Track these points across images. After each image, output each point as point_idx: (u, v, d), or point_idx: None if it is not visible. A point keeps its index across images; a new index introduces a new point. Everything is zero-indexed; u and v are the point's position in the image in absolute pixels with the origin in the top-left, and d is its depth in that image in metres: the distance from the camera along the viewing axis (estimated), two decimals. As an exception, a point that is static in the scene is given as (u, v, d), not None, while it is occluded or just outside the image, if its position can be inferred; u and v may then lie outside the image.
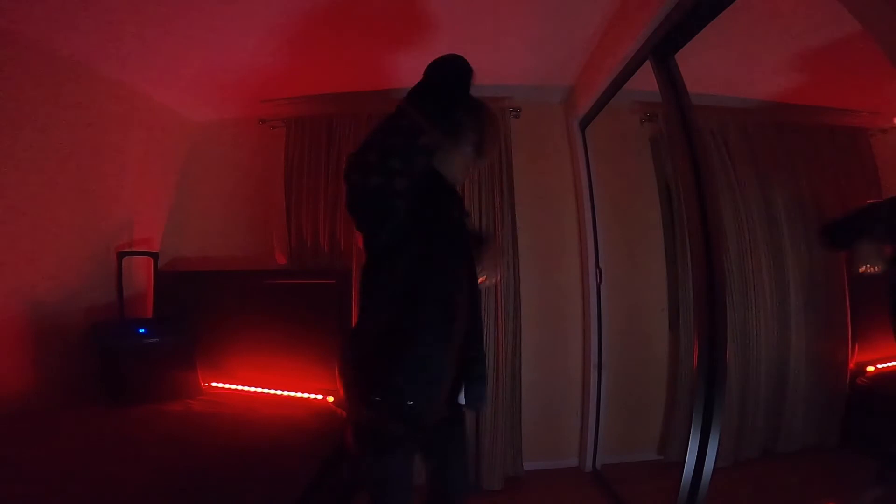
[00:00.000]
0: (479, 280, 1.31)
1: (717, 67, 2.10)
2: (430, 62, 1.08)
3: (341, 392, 1.15)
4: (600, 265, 2.52)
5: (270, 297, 2.50)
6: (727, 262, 2.25)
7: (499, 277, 1.53)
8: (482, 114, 1.22)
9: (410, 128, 0.98)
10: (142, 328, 2.32)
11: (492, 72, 2.39)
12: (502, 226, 2.48)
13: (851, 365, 2.21)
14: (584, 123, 2.53)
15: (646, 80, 1.75)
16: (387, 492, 1.14)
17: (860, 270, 1.56)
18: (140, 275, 2.59)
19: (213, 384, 2.49)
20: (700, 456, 1.50)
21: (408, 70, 2.35)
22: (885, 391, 2.07)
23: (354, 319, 1.19)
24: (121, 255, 2.39)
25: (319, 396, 2.32)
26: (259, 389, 2.43)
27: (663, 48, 1.66)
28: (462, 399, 1.23)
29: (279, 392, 2.39)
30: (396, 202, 0.99)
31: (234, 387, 2.48)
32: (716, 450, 1.47)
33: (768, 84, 2.36)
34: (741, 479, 2.17)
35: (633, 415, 2.59)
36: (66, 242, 2.19)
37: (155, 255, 2.59)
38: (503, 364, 2.41)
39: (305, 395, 2.35)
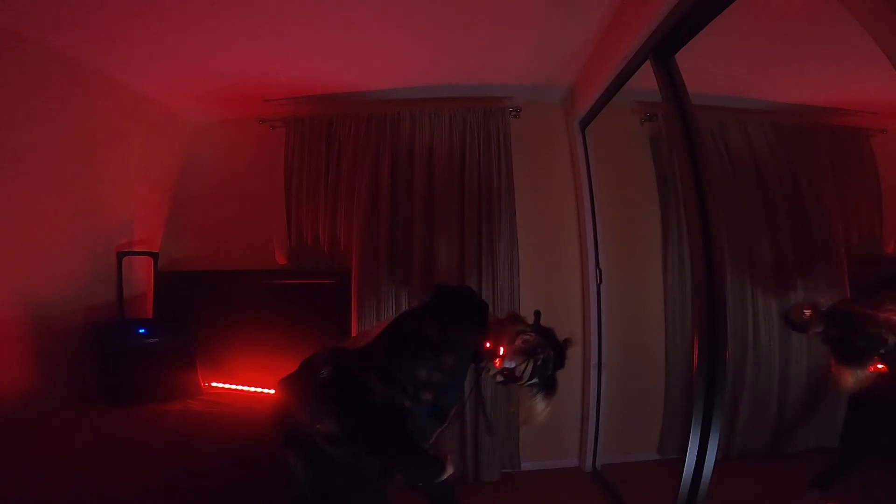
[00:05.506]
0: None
1: (717, 67, 2.10)
2: None
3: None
4: (600, 265, 2.52)
5: (270, 297, 2.49)
6: (726, 262, 2.25)
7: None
8: None
9: None
10: (142, 328, 2.33)
11: (492, 72, 2.38)
12: (502, 226, 2.47)
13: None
14: (585, 123, 2.53)
15: (646, 80, 1.75)
16: None
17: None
18: (140, 275, 2.59)
19: (213, 384, 2.49)
20: (700, 456, 1.50)
21: (408, 70, 2.36)
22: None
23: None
24: (121, 255, 2.39)
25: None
26: (259, 389, 2.43)
27: (663, 48, 1.66)
28: None
29: (279, 392, 2.39)
30: None
31: (234, 387, 2.48)
32: (716, 449, 1.47)
33: (768, 84, 2.36)
34: (739, 479, 2.16)
35: (634, 415, 2.59)
36: (66, 242, 2.19)
37: (155, 255, 2.59)
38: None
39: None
